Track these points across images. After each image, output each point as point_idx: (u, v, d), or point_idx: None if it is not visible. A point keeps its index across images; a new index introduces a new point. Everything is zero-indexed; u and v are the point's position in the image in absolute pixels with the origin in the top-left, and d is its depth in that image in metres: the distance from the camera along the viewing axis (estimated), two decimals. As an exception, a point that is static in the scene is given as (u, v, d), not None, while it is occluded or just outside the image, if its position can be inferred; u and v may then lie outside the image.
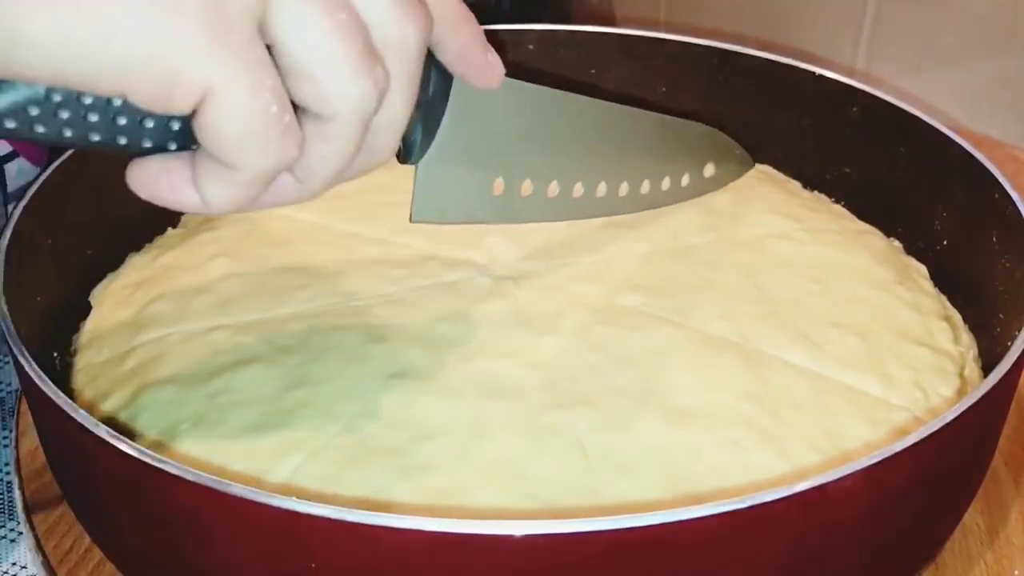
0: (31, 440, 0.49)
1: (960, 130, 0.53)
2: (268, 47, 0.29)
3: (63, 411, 0.37)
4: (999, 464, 0.48)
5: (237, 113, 0.28)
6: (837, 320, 0.47)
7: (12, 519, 0.49)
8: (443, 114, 0.39)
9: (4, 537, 0.48)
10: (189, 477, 0.33)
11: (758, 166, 0.61)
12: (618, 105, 0.49)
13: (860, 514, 0.36)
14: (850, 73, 0.59)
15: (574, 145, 0.47)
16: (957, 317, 0.50)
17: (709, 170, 0.56)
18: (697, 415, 0.42)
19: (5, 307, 0.42)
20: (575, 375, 0.44)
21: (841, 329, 0.47)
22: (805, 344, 0.46)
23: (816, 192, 0.60)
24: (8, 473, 0.51)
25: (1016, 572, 0.44)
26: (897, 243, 0.56)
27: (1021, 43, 0.72)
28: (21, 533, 0.47)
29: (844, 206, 0.59)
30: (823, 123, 0.60)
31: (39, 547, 0.45)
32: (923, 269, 0.53)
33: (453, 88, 0.39)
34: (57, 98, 0.29)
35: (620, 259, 0.51)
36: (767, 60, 0.61)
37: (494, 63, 0.37)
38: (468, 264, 0.51)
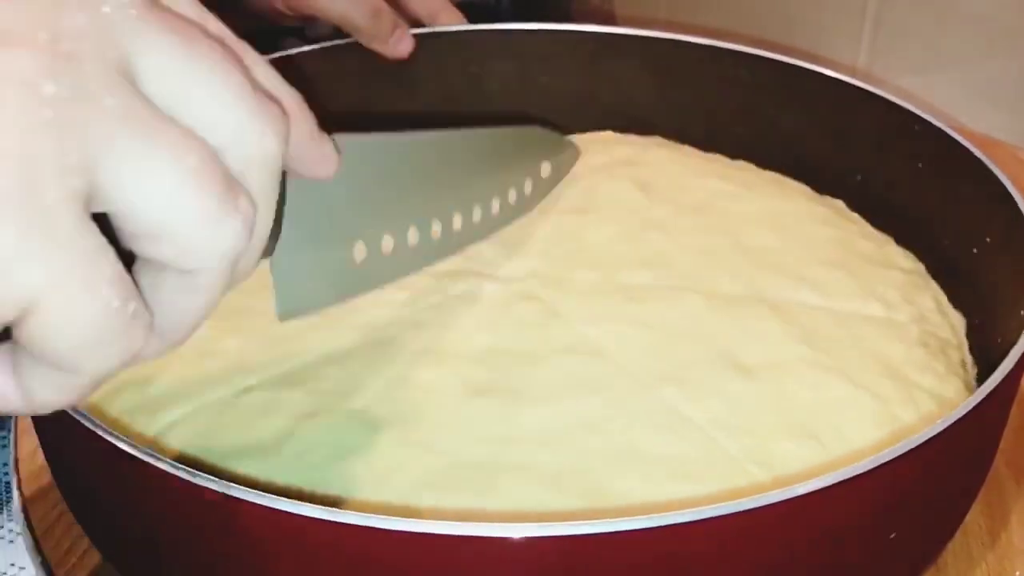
0: (31, 440, 0.49)
1: (961, 130, 0.53)
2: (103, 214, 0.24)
3: (63, 410, 0.36)
4: (1000, 464, 0.48)
5: (69, 322, 0.23)
6: (818, 259, 0.50)
7: (11, 519, 0.49)
8: (284, 202, 0.34)
9: (3, 538, 0.48)
10: (189, 477, 0.33)
11: (653, 138, 0.62)
12: (441, 131, 0.45)
13: (861, 516, 0.36)
14: (851, 73, 0.59)
15: (419, 185, 0.43)
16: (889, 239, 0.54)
17: (546, 169, 0.55)
18: (772, 366, 0.43)
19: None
20: (641, 355, 0.44)
21: (825, 267, 0.50)
22: (809, 286, 0.48)
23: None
24: (7, 473, 0.51)
25: (1017, 573, 0.44)
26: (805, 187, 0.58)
27: (1022, 43, 0.72)
28: (20, 533, 0.47)
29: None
30: (825, 121, 0.60)
31: (38, 548, 0.45)
32: (840, 203, 0.57)
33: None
34: None
35: (600, 243, 0.52)
36: (764, 58, 0.61)
37: (329, 154, 0.32)
38: (466, 273, 0.50)
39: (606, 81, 0.65)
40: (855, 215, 0.56)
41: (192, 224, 0.24)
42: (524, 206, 0.53)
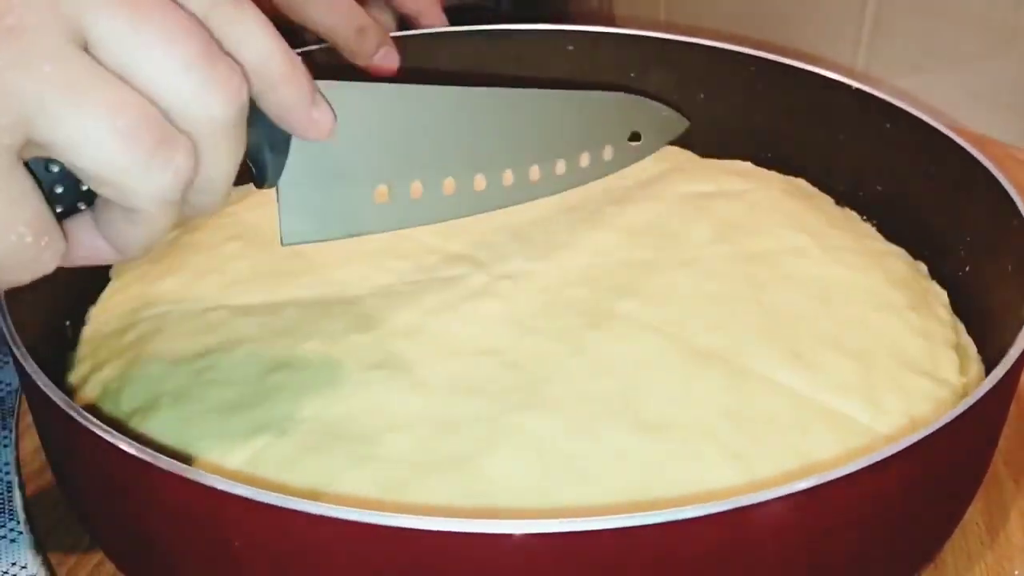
0: (31, 440, 0.49)
1: (959, 130, 0.53)
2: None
3: (63, 410, 0.37)
4: (999, 464, 0.48)
5: None
6: (836, 342, 0.46)
7: (12, 519, 0.49)
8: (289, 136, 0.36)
9: (4, 537, 0.48)
10: (190, 476, 0.33)
11: (790, 178, 0.60)
12: (521, 89, 0.46)
13: (860, 514, 0.36)
14: (850, 74, 0.59)
15: (469, 137, 0.44)
16: (971, 348, 0.49)
17: (633, 137, 0.55)
18: (667, 427, 0.41)
19: (5, 305, 0.42)
20: (550, 378, 0.43)
21: (838, 351, 0.45)
22: (796, 364, 0.45)
23: (847, 209, 0.59)
24: (8, 473, 0.51)
25: (1016, 572, 0.44)
26: (923, 267, 0.54)
27: (1021, 43, 0.72)
28: (21, 533, 0.47)
29: (870, 221, 0.58)
30: (823, 121, 0.60)
31: (39, 547, 0.45)
32: (943, 295, 0.52)
33: None
34: None
35: (624, 265, 0.51)
36: (762, 58, 0.61)
37: (320, 119, 0.35)
38: (469, 260, 0.51)
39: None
40: (945, 314, 0.50)
41: (123, 174, 0.28)
42: (599, 171, 0.52)
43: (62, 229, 0.30)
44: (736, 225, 0.54)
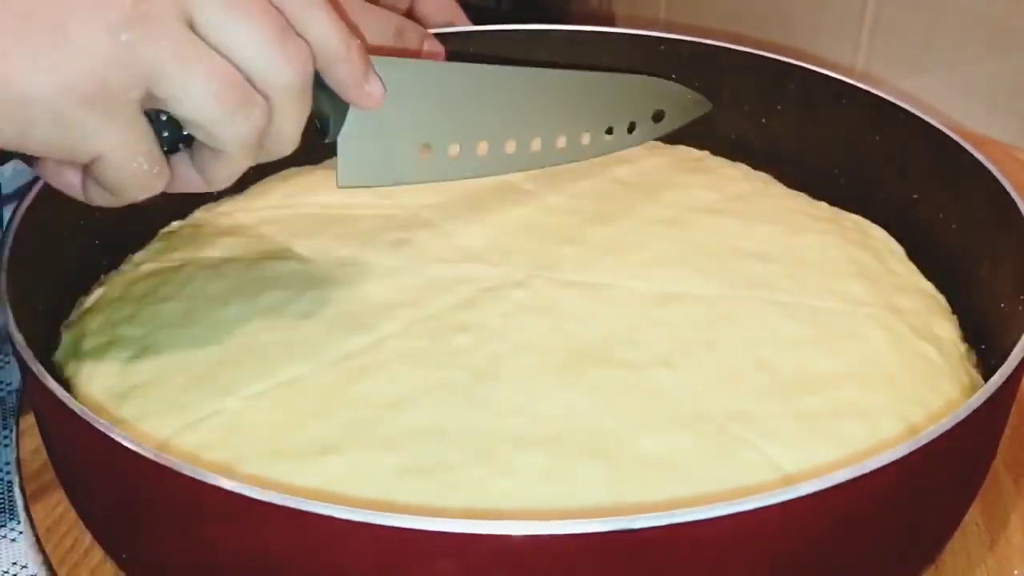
0: (31, 440, 0.49)
1: (959, 130, 0.53)
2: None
3: (67, 408, 0.37)
4: (999, 465, 0.48)
5: (117, 171, 0.37)
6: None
7: (13, 518, 0.49)
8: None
9: (4, 537, 0.48)
10: (192, 474, 0.33)
11: (763, 174, 0.61)
12: (549, 70, 0.53)
13: (861, 516, 0.36)
14: (850, 73, 0.59)
15: (504, 110, 0.51)
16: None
17: (657, 117, 0.60)
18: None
19: (8, 305, 0.42)
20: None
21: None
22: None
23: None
24: (8, 473, 0.51)
25: (1016, 572, 0.44)
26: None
27: (1021, 43, 0.72)
28: (21, 532, 0.47)
29: (846, 209, 0.59)
30: (820, 121, 0.60)
31: (39, 546, 0.45)
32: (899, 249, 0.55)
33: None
34: None
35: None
36: (761, 57, 0.61)
37: (371, 92, 0.43)
38: (472, 260, 0.51)
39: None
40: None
41: (213, 122, 0.37)
42: (623, 143, 0.59)
43: (168, 163, 0.39)
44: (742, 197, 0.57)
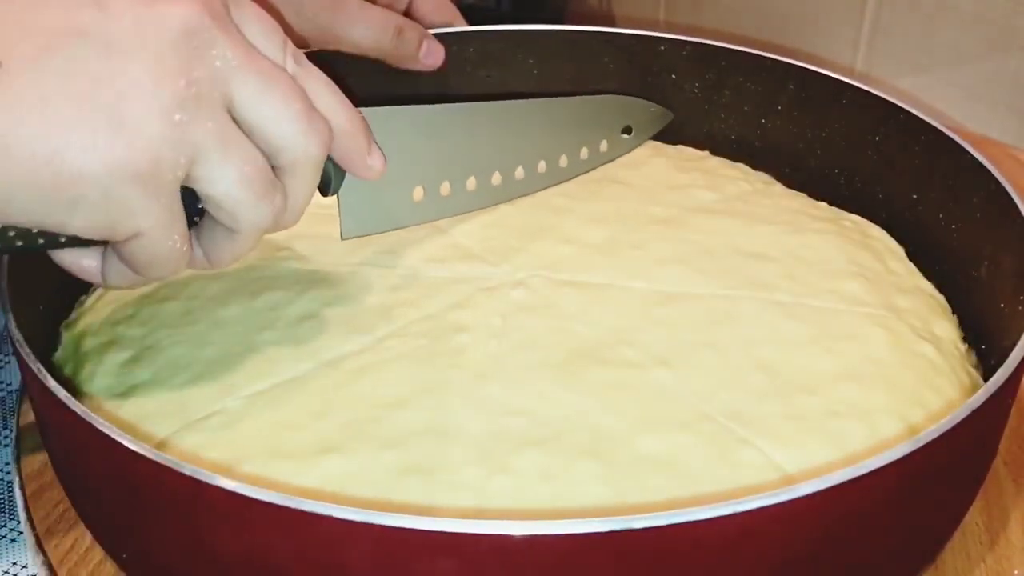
0: (32, 439, 0.49)
1: (958, 130, 0.53)
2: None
3: (67, 409, 0.37)
4: (999, 464, 0.48)
5: (154, 249, 0.38)
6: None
7: (12, 518, 0.49)
8: None
9: (4, 536, 0.48)
10: (192, 474, 0.33)
11: (763, 174, 0.62)
12: (523, 100, 0.56)
13: (861, 516, 0.36)
14: (850, 73, 0.59)
15: (487, 145, 0.54)
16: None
17: (627, 131, 0.63)
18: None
19: (9, 305, 0.42)
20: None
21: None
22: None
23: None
24: (8, 473, 0.51)
25: (1016, 572, 0.44)
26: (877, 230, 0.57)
27: (1021, 43, 0.72)
28: (21, 532, 0.47)
29: (846, 209, 0.59)
30: (820, 122, 0.60)
31: (39, 546, 0.45)
32: (899, 250, 0.56)
33: None
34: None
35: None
36: (760, 57, 0.61)
37: (373, 165, 0.44)
38: (474, 260, 0.51)
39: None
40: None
41: (238, 205, 0.38)
42: (597, 160, 0.61)
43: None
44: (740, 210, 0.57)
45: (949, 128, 0.53)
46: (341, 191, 0.46)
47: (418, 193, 0.51)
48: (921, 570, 0.43)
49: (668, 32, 0.64)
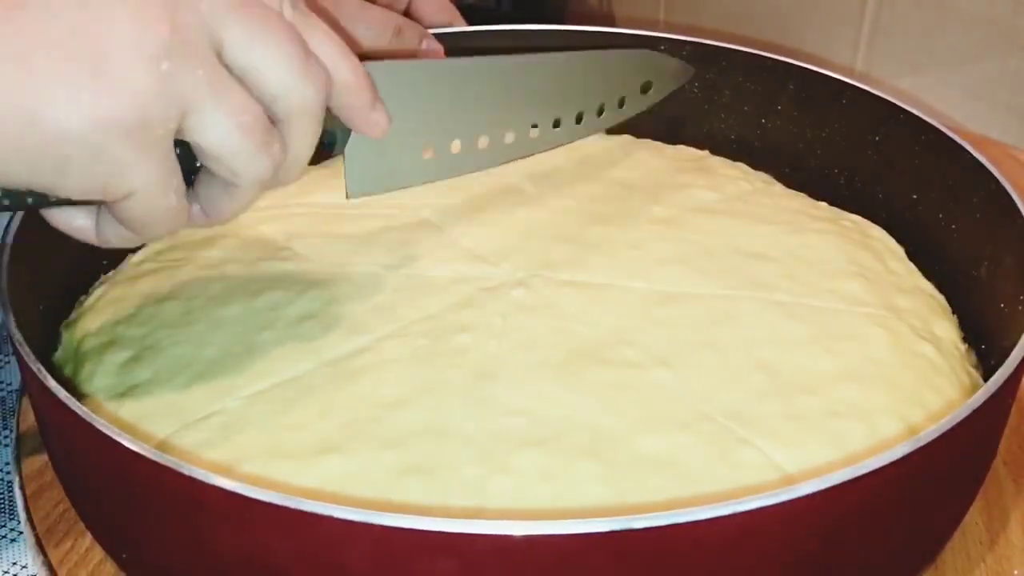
0: (31, 439, 0.49)
1: (958, 130, 0.53)
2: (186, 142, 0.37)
3: (67, 409, 0.37)
4: (999, 464, 0.48)
5: (148, 207, 0.36)
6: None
7: (12, 518, 0.49)
8: None
9: (4, 536, 0.48)
10: (191, 474, 0.33)
11: (763, 174, 0.62)
12: (537, 55, 0.52)
13: (861, 516, 0.36)
14: (849, 73, 0.59)
15: (500, 102, 0.51)
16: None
17: (646, 87, 0.59)
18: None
19: (8, 301, 0.42)
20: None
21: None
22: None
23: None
24: (8, 473, 0.51)
25: (1016, 572, 0.44)
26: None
27: (1021, 43, 0.72)
28: (21, 532, 0.47)
29: (846, 209, 0.59)
30: (820, 121, 0.60)
31: (39, 546, 0.45)
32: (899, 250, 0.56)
33: None
34: None
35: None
36: (760, 57, 0.61)
37: (378, 121, 0.42)
38: (471, 259, 0.51)
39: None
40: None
41: (235, 157, 0.37)
42: (615, 118, 0.58)
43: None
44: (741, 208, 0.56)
45: (949, 128, 0.53)
46: (347, 149, 0.44)
47: (427, 151, 0.49)
48: (921, 570, 0.43)
49: (668, 32, 0.64)
